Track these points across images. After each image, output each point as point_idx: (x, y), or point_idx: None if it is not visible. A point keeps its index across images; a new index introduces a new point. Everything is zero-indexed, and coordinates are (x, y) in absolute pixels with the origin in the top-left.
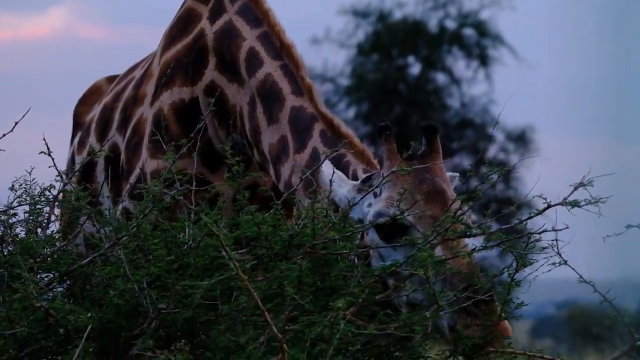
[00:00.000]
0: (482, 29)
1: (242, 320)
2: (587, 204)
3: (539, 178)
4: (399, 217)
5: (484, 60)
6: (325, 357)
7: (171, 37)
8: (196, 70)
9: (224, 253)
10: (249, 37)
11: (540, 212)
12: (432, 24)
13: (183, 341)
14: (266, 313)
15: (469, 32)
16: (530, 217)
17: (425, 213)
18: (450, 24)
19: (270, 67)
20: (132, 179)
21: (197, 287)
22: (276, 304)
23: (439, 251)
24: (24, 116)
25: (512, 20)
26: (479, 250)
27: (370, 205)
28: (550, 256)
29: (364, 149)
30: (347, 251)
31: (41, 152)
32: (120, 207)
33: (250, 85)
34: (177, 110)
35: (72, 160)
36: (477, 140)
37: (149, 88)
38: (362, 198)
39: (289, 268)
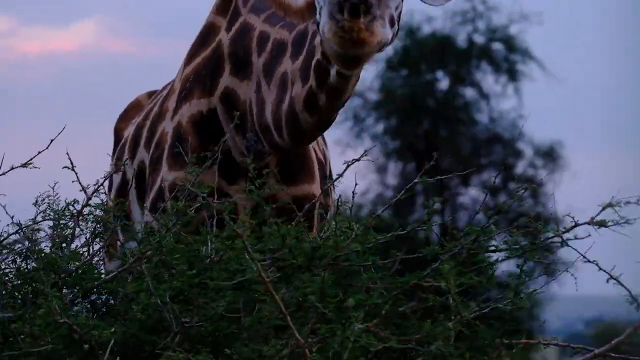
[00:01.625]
0: (510, 43)
1: (265, 330)
2: (614, 225)
3: (563, 194)
4: None
5: (512, 75)
6: None
7: (192, 53)
8: (213, 81)
9: (246, 261)
10: (259, 25)
11: (567, 231)
12: (461, 39)
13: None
14: (288, 317)
15: (497, 46)
16: (557, 235)
17: None
18: (479, 39)
19: (274, 33)
20: (153, 192)
21: (220, 298)
22: (299, 315)
23: None
24: (59, 133)
25: (541, 35)
26: (502, 261)
27: None
28: (580, 260)
29: None
30: (370, 263)
31: (64, 167)
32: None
33: (258, 65)
34: (195, 123)
35: (111, 177)
36: (506, 155)
37: (171, 103)
38: None
39: (311, 279)
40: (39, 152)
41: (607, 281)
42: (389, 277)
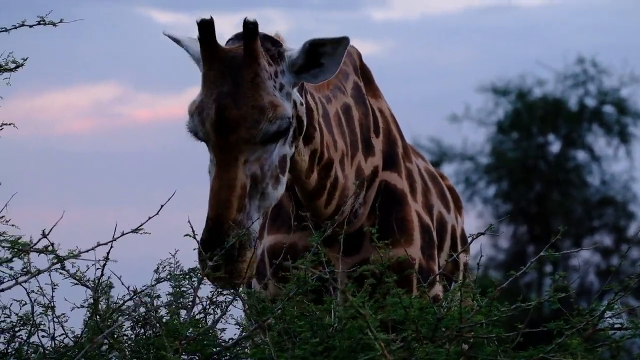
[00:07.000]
0: (622, 106)
1: None
2: None
3: None
4: None
5: (624, 138)
6: None
7: None
8: None
9: (369, 335)
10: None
11: None
12: (572, 102)
13: None
14: None
15: (609, 109)
16: None
17: None
18: (590, 102)
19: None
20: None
21: None
22: None
23: None
24: (169, 199)
25: None
26: (628, 338)
27: None
28: None
29: None
30: (494, 335)
31: (186, 235)
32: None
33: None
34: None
35: None
36: (617, 218)
37: None
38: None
39: (435, 352)
40: (149, 218)
41: None
42: (512, 351)
